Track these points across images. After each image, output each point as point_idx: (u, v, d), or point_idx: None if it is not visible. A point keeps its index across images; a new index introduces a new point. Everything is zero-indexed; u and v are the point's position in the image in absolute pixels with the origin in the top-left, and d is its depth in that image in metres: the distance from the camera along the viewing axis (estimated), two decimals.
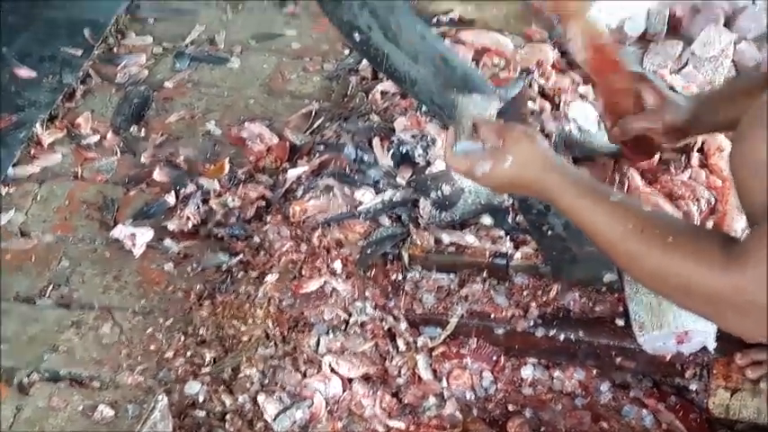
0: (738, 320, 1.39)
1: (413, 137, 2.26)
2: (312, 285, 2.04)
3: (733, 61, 2.63)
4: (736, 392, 1.86)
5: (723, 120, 1.78)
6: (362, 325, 2.00)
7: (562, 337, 1.95)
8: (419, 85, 1.77)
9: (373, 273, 2.07)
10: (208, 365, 1.96)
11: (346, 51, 2.67)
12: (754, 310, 1.35)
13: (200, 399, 1.91)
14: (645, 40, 2.74)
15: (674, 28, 2.75)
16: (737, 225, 2.08)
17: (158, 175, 2.36)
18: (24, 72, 2.62)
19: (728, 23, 2.72)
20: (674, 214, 2.02)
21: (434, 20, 2.79)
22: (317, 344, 1.98)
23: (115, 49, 2.77)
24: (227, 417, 1.88)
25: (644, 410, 1.91)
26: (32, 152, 2.44)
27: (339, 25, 1.74)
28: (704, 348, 1.90)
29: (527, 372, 1.98)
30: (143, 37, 2.81)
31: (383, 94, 2.45)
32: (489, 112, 1.64)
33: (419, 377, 1.95)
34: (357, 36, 1.72)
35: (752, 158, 1.50)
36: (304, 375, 1.93)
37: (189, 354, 1.99)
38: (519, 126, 1.58)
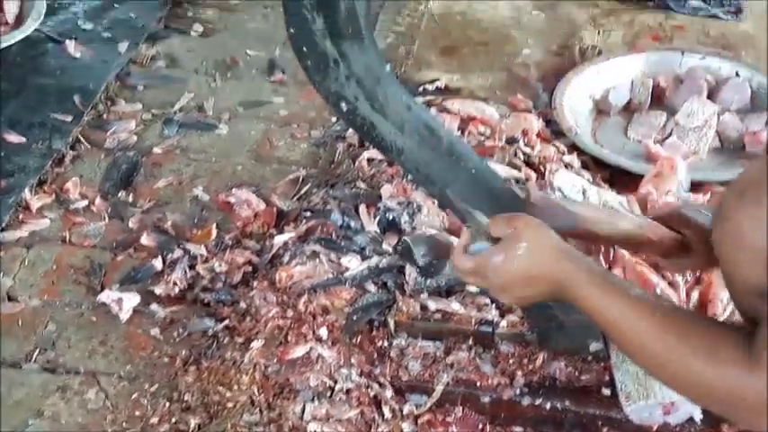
0: (755, 419, 1.41)
1: (399, 204, 2.28)
2: (298, 352, 2.03)
3: (717, 132, 2.67)
4: None
5: None
6: (348, 392, 1.98)
7: (548, 405, 1.95)
8: (405, 154, 1.79)
9: (359, 339, 2.07)
10: None
11: (333, 119, 2.69)
12: None
13: None
14: (629, 110, 2.79)
15: (658, 98, 2.81)
16: (723, 294, 2.09)
17: (146, 240, 2.36)
18: (14, 138, 2.62)
19: (712, 95, 2.77)
20: (669, 296, 2.04)
21: (420, 89, 2.83)
22: (303, 411, 1.96)
23: (105, 116, 2.78)
24: None
25: None
26: (21, 217, 2.43)
27: (326, 95, 1.75)
28: (691, 419, 1.90)
29: None
30: (132, 104, 2.82)
31: (370, 161, 2.47)
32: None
33: None
34: (344, 106, 1.74)
35: (735, 233, 1.53)
36: None
37: (174, 420, 1.97)
38: (528, 216, 1.57)
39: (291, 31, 1.68)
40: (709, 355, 1.44)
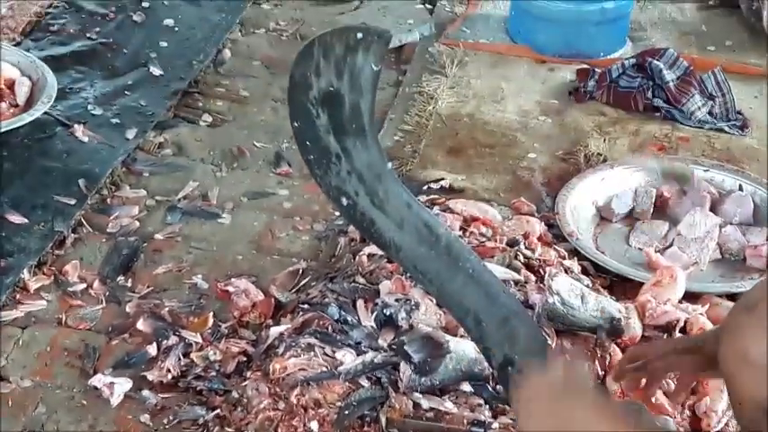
0: None
1: (397, 300, 2.29)
2: None
3: (718, 244, 2.69)
4: None
5: None
6: None
7: None
8: (403, 251, 1.81)
9: None
10: None
11: (336, 213, 2.70)
12: None
13: None
14: (632, 218, 2.81)
15: (661, 208, 2.83)
16: (718, 406, 2.12)
17: (142, 325, 2.36)
18: (16, 218, 2.63)
19: (715, 207, 2.79)
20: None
21: (425, 187, 2.85)
22: None
23: (109, 200, 2.79)
24: None
25: None
26: (18, 297, 2.44)
27: (327, 189, 1.78)
28: None
29: None
30: (137, 190, 2.84)
31: (370, 256, 2.48)
32: None
33: None
34: (344, 200, 1.77)
35: (742, 349, 1.55)
36: None
37: None
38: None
39: (296, 124, 1.73)
40: None
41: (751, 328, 1.55)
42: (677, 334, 2.32)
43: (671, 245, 2.69)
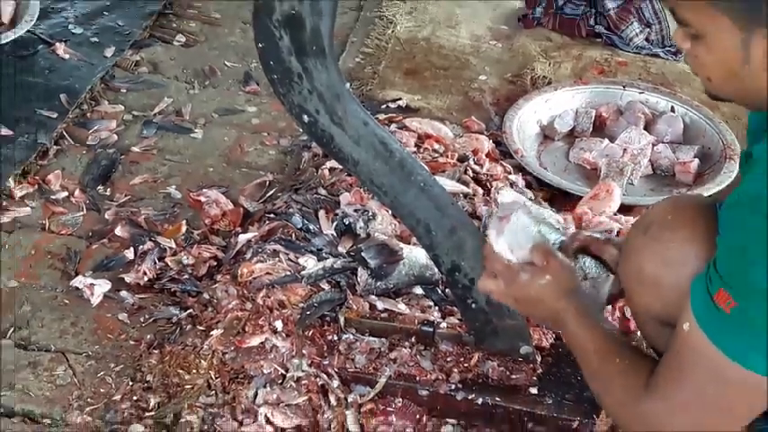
0: None
1: (355, 211, 2.30)
2: (254, 341, 2.03)
3: (650, 160, 2.72)
4: None
5: None
6: (298, 380, 1.99)
7: (480, 401, 1.96)
8: (360, 165, 1.80)
9: (311, 333, 2.07)
10: (152, 410, 1.95)
11: (300, 129, 2.69)
12: None
13: None
14: (572, 135, 2.83)
15: (600, 127, 2.85)
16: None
17: (120, 231, 2.37)
18: (2, 131, 2.61)
19: (648, 126, 2.81)
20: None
21: (384, 106, 2.85)
22: (255, 395, 1.96)
23: (88, 115, 2.77)
24: None
25: None
26: (4, 204, 2.43)
27: (290, 107, 1.76)
28: None
29: (447, 431, 1.97)
30: (115, 105, 2.82)
31: (331, 170, 2.48)
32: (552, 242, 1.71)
33: (348, 431, 1.94)
34: (305, 118, 1.75)
35: (638, 267, 1.57)
36: (241, 424, 1.92)
37: (135, 398, 1.98)
38: (564, 259, 1.65)
39: (260, 45, 1.70)
40: (626, 380, 1.50)
41: (645, 249, 1.58)
42: None
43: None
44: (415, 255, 2.18)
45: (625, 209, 2.47)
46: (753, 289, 1.29)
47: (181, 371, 2.02)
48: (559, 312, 1.61)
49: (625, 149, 2.70)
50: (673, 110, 2.87)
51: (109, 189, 2.53)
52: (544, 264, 1.61)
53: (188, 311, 2.16)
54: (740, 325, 1.31)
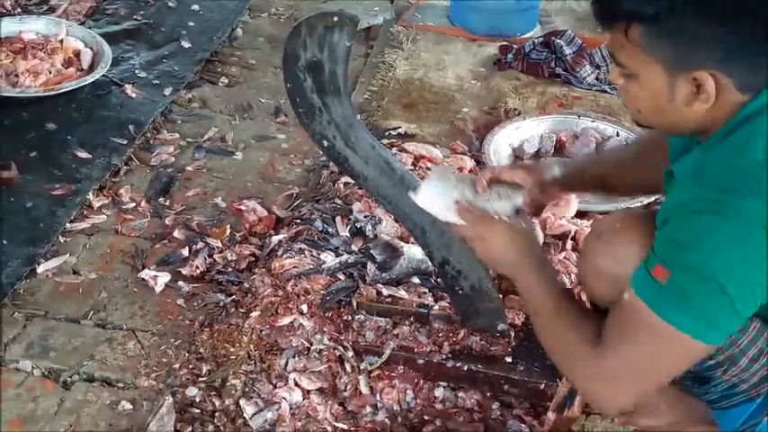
0: (590, 386, 1.48)
1: (365, 217, 2.31)
2: (284, 321, 2.04)
3: None
4: (589, 415, 1.89)
5: (588, 179, 1.80)
6: (320, 352, 2.00)
7: (466, 368, 1.97)
8: (369, 180, 1.81)
9: (330, 314, 2.08)
10: (204, 376, 1.97)
11: (320, 152, 2.68)
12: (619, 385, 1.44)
13: (197, 400, 1.91)
14: (538, 155, 2.82)
15: (560, 149, 2.83)
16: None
17: (177, 234, 2.37)
18: (83, 154, 2.62)
19: (598, 148, 2.79)
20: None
21: (386, 133, 2.84)
22: (286, 364, 1.98)
23: (151, 141, 2.77)
24: (216, 414, 1.88)
25: (523, 425, 1.91)
26: (84, 213, 2.43)
27: (312, 134, 1.77)
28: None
29: (439, 392, 1.98)
30: (172, 133, 2.82)
31: (345, 184, 2.48)
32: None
33: (360, 392, 1.95)
34: (325, 143, 1.76)
35: (593, 266, 1.58)
36: (275, 387, 1.93)
37: (190, 366, 1.99)
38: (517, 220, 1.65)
39: (288, 85, 1.71)
40: (577, 333, 1.48)
41: (599, 250, 1.58)
42: (569, 242, 2.34)
43: None
44: (413, 251, 2.19)
45: (581, 214, 2.46)
46: (683, 264, 1.31)
47: (226, 345, 2.03)
48: (514, 267, 1.60)
49: None
50: (618, 134, 2.85)
51: (168, 200, 2.53)
52: (497, 221, 1.61)
53: (232, 297, 2.16)
54: (673, 293, 1.32)
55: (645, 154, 1.74)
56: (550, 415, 1.87)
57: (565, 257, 2.28)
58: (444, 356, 1.99)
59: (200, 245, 2.33)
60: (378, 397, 1.95)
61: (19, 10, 3.13)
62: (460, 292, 1.96)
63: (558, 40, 3.25)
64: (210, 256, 2.30)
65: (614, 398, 1.46)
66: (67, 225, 2.37)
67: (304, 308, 2.08)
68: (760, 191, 1.28)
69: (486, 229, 1.63)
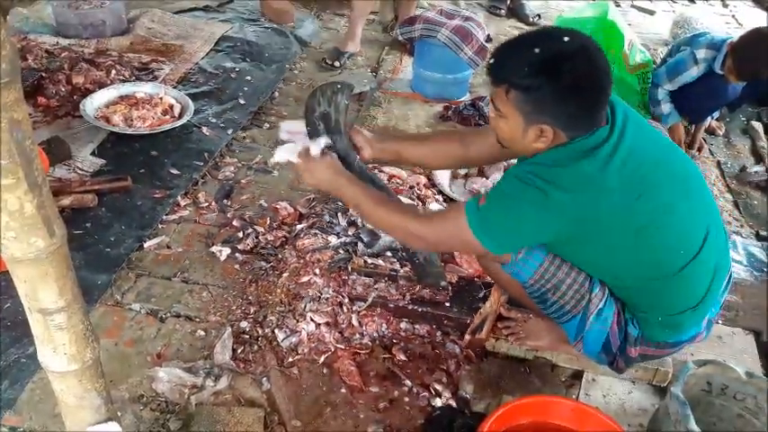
0: (417, 243, 1.55)
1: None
2: (304, 279, 2.05)
3: None
4: (498, 340, 1.88)
5: (389, 152, 1.79)
6: (327, 299, 2.00)
7: (420, 309, 1.99)
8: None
9: (333, 275, 2.08)
10: (251, 314, 1.97)
11: None
12: (429, 243, 1.50)
13: (247, 329, 1.91)
14: (467, 176, 2.76)
15: (481, 171, 2.81)
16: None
17: (235, 223, 2.35)
18: (174, 171, 2.59)
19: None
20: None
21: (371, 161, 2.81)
22: (305, 307, 1.98)
23: (219, 163, 2.74)
24: (259, 339, 1.89)
25: (456, 346, 1.93)
26: (175, 209, 2.41)
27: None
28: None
29: (403, 325, 1.99)
30: (233, 158, 2.78)
31: None
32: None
33: (352, 324, 1.96)
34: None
35: (494, 277, 1.70)
36: (297, 321, 1.94)
37: (243, 308, 1.99)
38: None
39: (308, 128, 1.71)
40: (405, 216, 1.52)
41: (488, 266, 1.68)
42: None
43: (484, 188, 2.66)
44: (387, 236, 2.17)
45: None
46: (496, 201, 1.39)
47: (266, 294, 2.03)
48: (332, 183, 1.60)
49: (493, 183, 2.69)
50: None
51: (229, 202, 2.50)
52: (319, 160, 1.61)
53: (270, 264, 2.16)
54: (481, 212, 1.40)
55: (437, 142, 1.77)
56: (467, 337, 1.89)
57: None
58: (407, 302, 2.00)
59: (250, 230, 2.31)
60: (364, 328, 1.96)
61: (134, 78, 3.10)
62: (417, 261, 1.97)
63: (481, 103, 3.26)
64: (257, 237, 2.29)
65: (422, 248, 1.64)
66: (164, 217, 2.36)
67: (317, 271, 2.08)
68: (572, 189, 1.33)
69: (310, 164, 1.63)
